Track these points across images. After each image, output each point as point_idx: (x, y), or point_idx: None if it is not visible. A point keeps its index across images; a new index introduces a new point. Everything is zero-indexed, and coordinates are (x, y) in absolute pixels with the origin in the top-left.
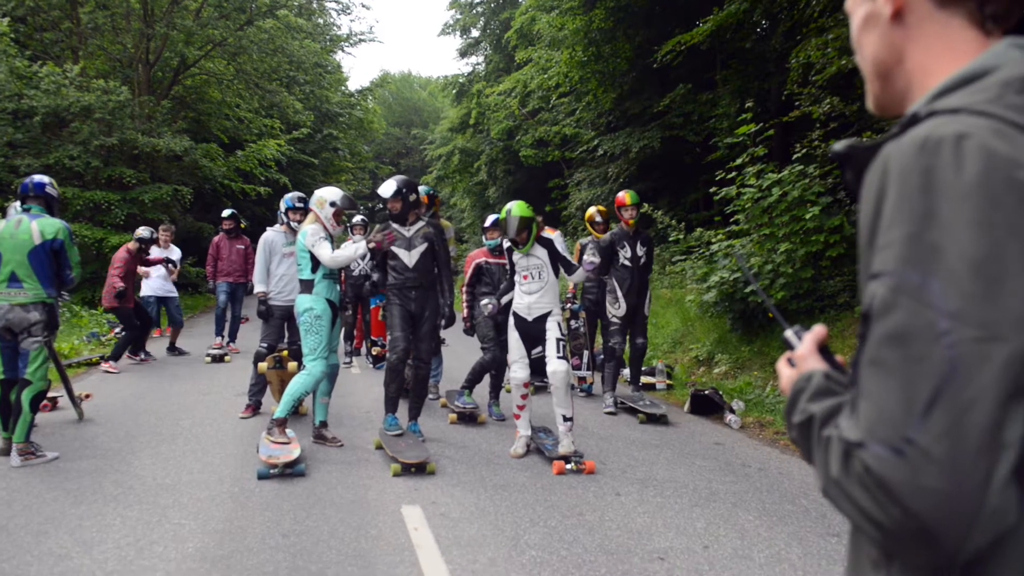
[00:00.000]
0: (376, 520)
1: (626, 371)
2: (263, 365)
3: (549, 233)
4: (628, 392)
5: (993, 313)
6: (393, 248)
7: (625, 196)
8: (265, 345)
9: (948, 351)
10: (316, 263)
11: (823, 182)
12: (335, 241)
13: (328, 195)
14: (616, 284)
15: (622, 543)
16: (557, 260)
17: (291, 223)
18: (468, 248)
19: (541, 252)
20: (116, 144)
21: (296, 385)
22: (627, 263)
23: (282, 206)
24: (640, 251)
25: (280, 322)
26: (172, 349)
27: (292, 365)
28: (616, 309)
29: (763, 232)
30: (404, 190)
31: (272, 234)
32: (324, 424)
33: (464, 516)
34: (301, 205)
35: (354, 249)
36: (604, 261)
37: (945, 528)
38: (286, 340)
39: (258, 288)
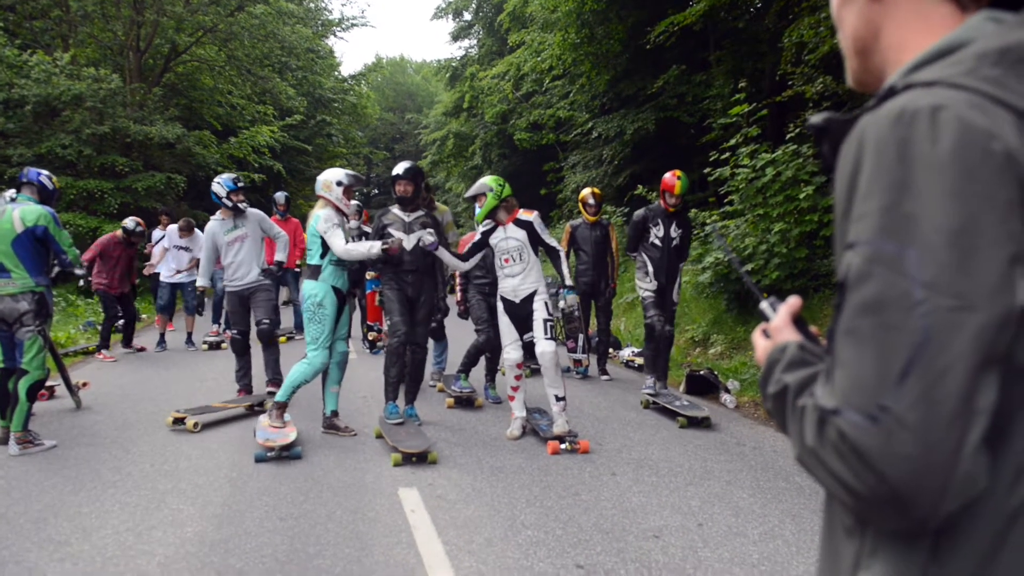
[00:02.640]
0: (373, 502)
1: (623, 353)
2: (168, 419)
3: (526, 215)
4: (649, 383)
5: (967, 283)
6: (392, 231)
7: (675, 184)
8: (237, 331)
9: (922, 320)
10: (325, 249)
11: (817, 162)
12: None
13: (333, 176)
14: (647, 260)
15: (617, 522)
16: (539, 244)
17: (237, 204)
18: (463, 232)
19: (519, 233)
20: (108, 132)
21: (296, 373)
22: (657, 242)
23: (221, 190)
24: (675, 233)
25: (242, 306)
26: (189, 342)
27: (189, 423)
28: (648, 284)
29: (757, 212)
30: (417, 173)
31: (213, 224)
32: (335, 413)
33: (461, 498)
34: (241, 184)
35: (368, 247)
36: (634, 238)
37: (918, 494)
38: (261, 321)
39: (200, 282)
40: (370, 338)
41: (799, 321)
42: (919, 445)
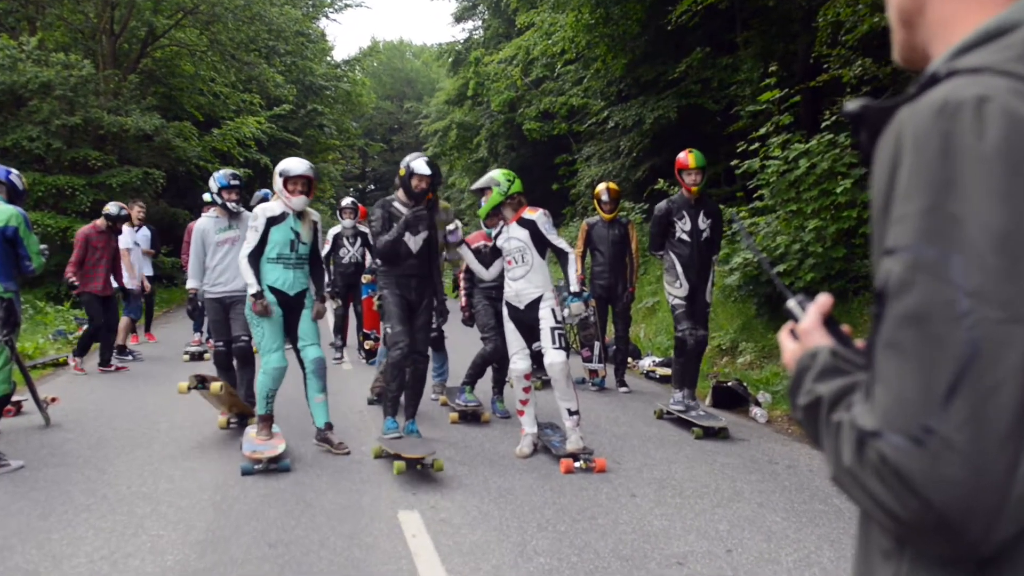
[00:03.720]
0: (371, 527)
1: (643, 363)
2: (182, 385)
3: (530, 213)
4: (678, 398)
5: (1017, 292)
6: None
7: (688, 158)
8: (221, 343)
9: (970, 332)
10: (262, 244)
11: (855, 152)
12: (303, 218)
13: (280, 166)
14: (675, 259)
15: (638, 548)
16: (545, 245)
17: (227, 204)
18: (468, 231)
19: (522, 233)
20: (79, 123)
21: (258, 384)
22: (685, 237)
23: (213, 186)
24: (703, 224)
25: (224, 315)
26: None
27: (215, 386)
28: (677, 289)
29: (789, 208)
30: (438, 171)
31: (205, 221)
32: (329, 426)
33: (466, 521)
34: (236, 183)
35: (250, 279)
36: (658, 235)
37: (967, 520)
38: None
39: (191, 284)
40: (367, 347)
41: (830, 322)
42: (968, 469)
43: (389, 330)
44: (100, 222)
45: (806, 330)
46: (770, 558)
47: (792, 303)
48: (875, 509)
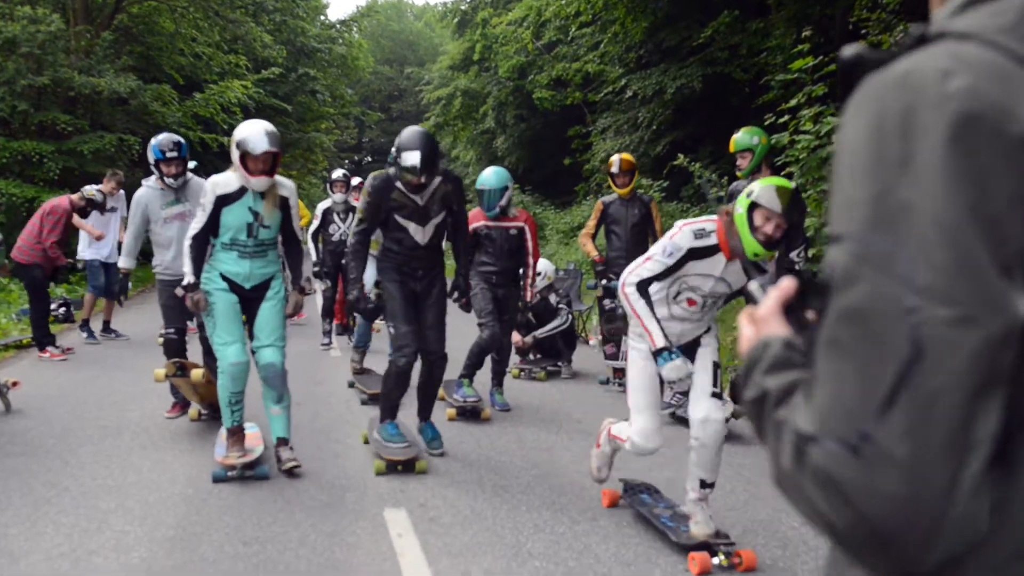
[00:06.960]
0: (354, 525)
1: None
2: (159, 372)
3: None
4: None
5: (967, 289)
6: (399, 219)
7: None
8: (172, 330)
9: (914, 332)
10: (214, 223)
11: None
12: (268, 193)
13: (237, 135)
14: None
15: (641, 552)
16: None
17: (164, 178)
18: (469, 209)
19: (739, 280)
20: (48, 84)
21: (219, 390)
22: None
23: (150, 156)
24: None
25: (180, 300)
26: (107, 330)
27: (196, 373)
28: None
29: (820, 188)
30: (433, 155)
31: (146, 191)
32: (282, 441)
33: (457, 521)
34: (175, 155)
35: (188, 271)
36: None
37: (904, 537)
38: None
39: (122, 263)
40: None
41: (794, 308)
42: (905, 482)
43: (392, 330)
44: (77, 199)
45: (762, 317)
46: (784, 567)
47: (753, 285)
48: (813, 516)
